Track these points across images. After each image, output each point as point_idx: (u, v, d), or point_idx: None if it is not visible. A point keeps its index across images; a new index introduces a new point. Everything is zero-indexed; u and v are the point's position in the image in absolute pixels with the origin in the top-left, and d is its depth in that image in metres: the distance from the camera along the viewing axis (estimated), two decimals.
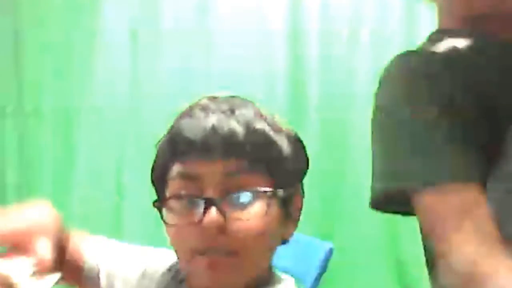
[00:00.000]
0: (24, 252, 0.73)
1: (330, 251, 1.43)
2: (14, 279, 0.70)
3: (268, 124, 0.82)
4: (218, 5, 2.13)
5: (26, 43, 2.15)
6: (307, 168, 0.87)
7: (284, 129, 0.84)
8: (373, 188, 0.87)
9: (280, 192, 0.80)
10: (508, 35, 0.83)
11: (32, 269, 0.71)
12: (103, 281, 0.92)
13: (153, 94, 2.12)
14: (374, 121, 0.89)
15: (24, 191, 2.12)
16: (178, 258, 0.83)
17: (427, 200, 0.79)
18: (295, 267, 1.21)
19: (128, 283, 0.91)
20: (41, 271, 0.71)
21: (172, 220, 0.79)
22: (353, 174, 2.00)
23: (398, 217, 0.93)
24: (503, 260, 0.74)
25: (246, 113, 0.81)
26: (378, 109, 0.87)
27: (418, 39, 1.01)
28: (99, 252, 0.94)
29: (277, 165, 0.81)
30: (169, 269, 0.91)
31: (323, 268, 1.40)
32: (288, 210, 0.83)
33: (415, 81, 0.82)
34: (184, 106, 0.87)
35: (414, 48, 0.92)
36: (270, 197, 0.79)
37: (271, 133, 0.81)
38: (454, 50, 0.82)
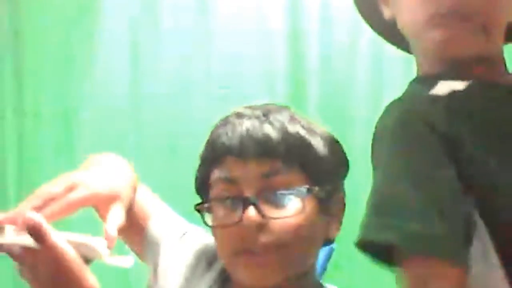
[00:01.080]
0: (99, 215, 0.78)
1: (331, 251, 1.43)
2: (100, 251, 0.72)
3: (303, 127, 0.86)
4: (218, 5, 2.13)
5: (26, 43, 2.14)
6: (347, 168, 0.89)
7: (319, 131, 0.86)
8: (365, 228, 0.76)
9: (316, 189, 0.83)
10: (490, 78, 0.84)
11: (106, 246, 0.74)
12: (162, 263, 0.94)
13: (153, 94, 2.12)
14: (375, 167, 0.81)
15: (24, 192, 2.11)
16: (221, 259, 0.85)
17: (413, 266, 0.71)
18: None
19: (181, 272, 0.93)
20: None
21: (215, 222, 0.84)
22: (353, 174, 2.00)
23: None
24: None
25: (280, 117, 0.85)
26: (379, 163, 0.79)
27: None
28: (164, 225, 0.96)
29: (312, 164, 0.85)
30: (214, 268, 0.92)
31: (324, 268, 1.39)
32: (328, 208, 0.85)
33: (422, 137, 0.75)
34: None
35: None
36: (306, 195, 0.82)
37: (305, 134, 0.85)
38: (459, 97, 0.80)
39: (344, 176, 0.90)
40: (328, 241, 0.88)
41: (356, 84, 2.07)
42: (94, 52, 2.13)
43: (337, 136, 2.25)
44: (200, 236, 0.95)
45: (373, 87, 2.02)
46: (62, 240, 0.69)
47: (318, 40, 2.10)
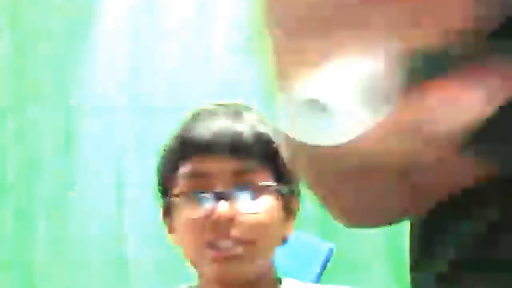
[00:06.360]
0: None
1: (330, 251, 1.43)
2: None
3: (270, 128, 0.89)
4: (218, 4, 2.14)
5: (26, 43, 2.15)
6: None
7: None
8: None
9: (285, 188, 0.88)
10: None
11: None
12: None
13: (153, 94, 2.12)
14: None
15: (24, 192, 2.12)
16: (187, 254, 0.87)
17: None
18: (295, 267, 1.21)
19: None
20: None
21: (183, 216, 0.85)
22: None
23: None
24: None
25: (250, 117, 0.89)
26: None
27: None
28: None
29: (279, 164, 0.88)
30: None
31: (323, 268, 1.40)
32: (289, 208, 0.89)
33: None
34: (189, 113, 0.92)
35: None
36: (275, 192, 0.86)
37: (273, 134, 0.88)
38: None
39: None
40: (284, 240, 0.90)
41: None
42: (95, 53, 2.13)
43: None
44: None
45: None
46: None
47: None
